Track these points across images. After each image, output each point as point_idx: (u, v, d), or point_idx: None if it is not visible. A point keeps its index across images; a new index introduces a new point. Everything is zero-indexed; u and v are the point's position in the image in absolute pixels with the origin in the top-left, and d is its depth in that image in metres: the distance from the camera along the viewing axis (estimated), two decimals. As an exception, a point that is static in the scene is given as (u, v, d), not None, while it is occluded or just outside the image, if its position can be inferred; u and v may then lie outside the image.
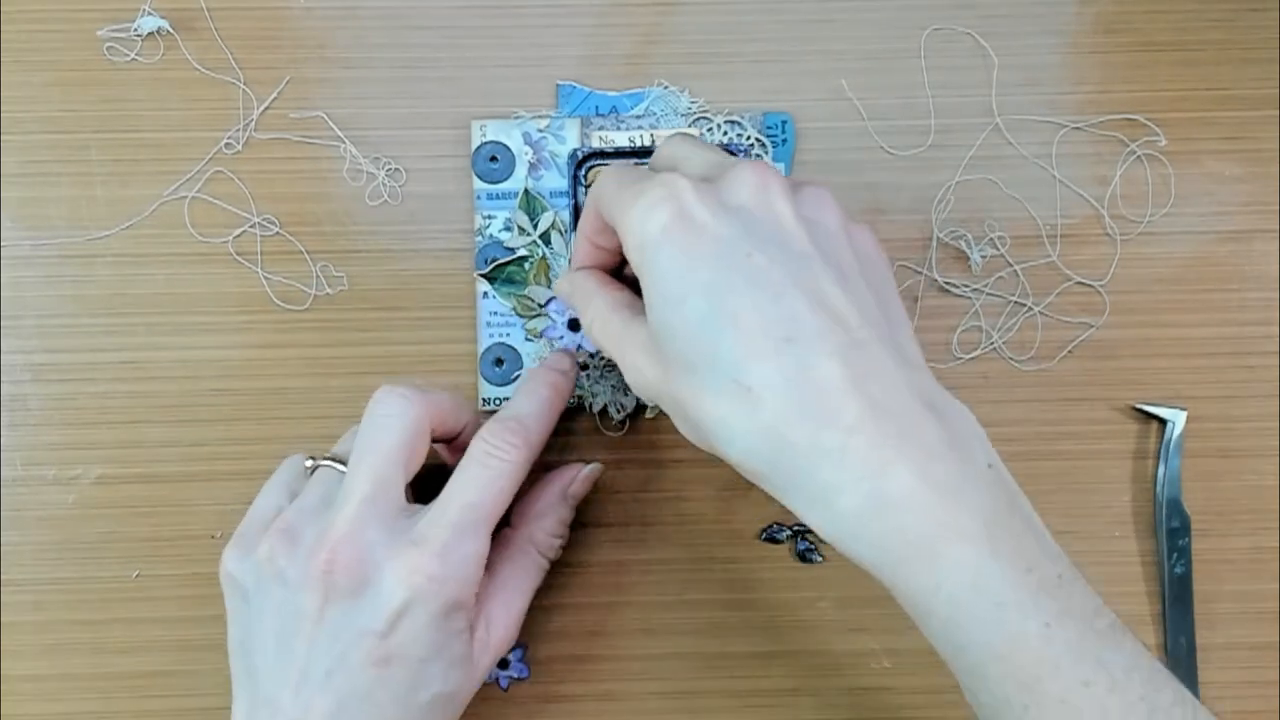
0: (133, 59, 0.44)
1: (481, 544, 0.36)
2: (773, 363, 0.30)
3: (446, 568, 0.35)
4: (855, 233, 0.34)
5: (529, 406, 0.39)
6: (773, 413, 0.30)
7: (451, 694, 0.36)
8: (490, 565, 0.37)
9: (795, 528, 0.44)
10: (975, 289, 0.45)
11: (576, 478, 0.42)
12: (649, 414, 0.44)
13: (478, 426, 0.38)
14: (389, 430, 0.36)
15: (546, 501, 0.41)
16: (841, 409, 0.30)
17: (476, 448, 0.37)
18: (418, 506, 0.37)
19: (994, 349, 0.45)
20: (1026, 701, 0.30)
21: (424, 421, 0.37)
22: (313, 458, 0.39)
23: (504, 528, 0.39)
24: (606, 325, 0.35)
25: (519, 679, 0.44)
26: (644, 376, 0.34)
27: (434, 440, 0.38)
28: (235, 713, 0.36)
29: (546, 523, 0.40)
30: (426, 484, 0.38)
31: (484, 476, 0.36)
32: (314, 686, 0.34)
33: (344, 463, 0.38)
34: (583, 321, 0.37)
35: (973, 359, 0.45)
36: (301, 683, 0.34)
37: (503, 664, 0.44)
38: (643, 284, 0.33)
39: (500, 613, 0.38)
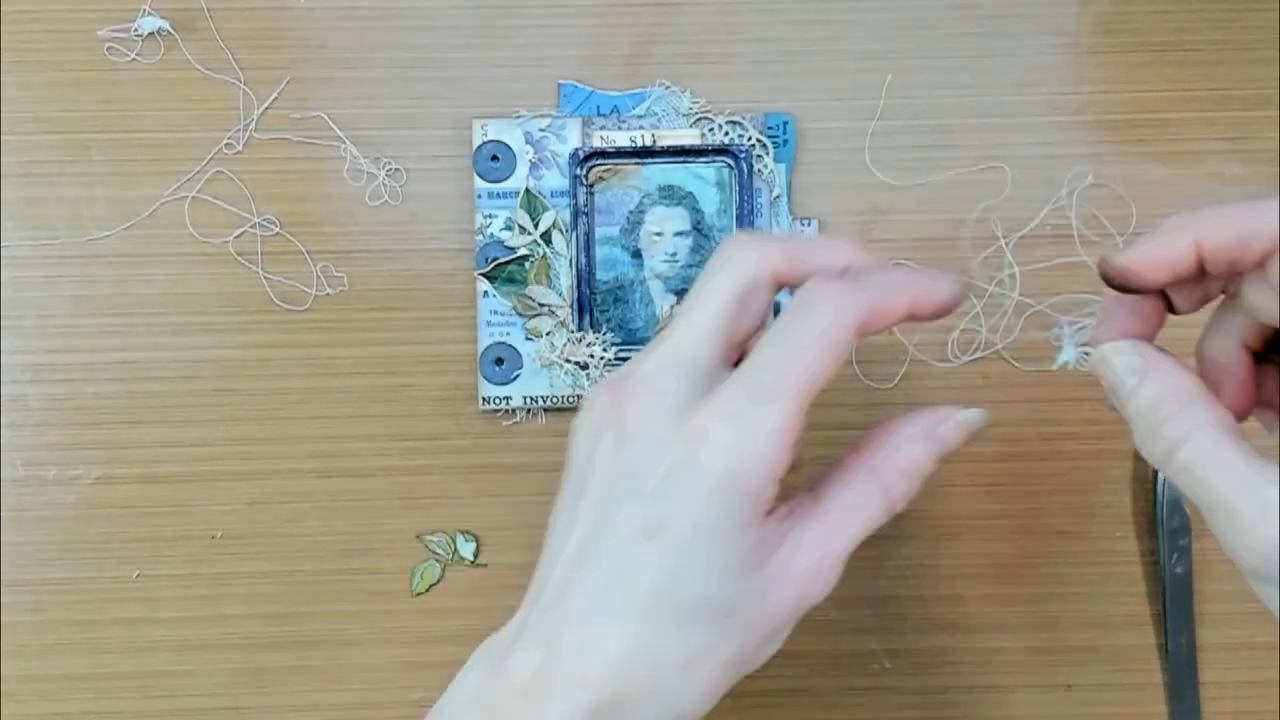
0: (133, 59, 0.44)
1: (782, 416, 0.29)
2: None
3: (728, 433, 0.29)
4: None
5: (876, 281, 0.31)
6: None
7: (727, 606, 0.29)
8: (821, 488, 0.31)
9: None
10: (976, 289, 0.45)
11: (950, 418, 0.32)
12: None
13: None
14: (719, 277, 0.31)
15: (904, 434, 0.32)
16: None
17: (791, 304, 0.30)
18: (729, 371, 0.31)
19: (995, 349, 0.45)
20: None
21: (761, 270, 0.31)
22: None
23: (850, 454, 0.32)
24: (1220, 459, 0.27)
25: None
26: None
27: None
28: (531, 586, 0.32)
29: (897, 458, 0.31)
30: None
31: (789, 336, 0.29)
32: (583, 557, 0.30)
33: None
34: (1157, 431, 0.29)
35: (973, 360, 0.45)
36: (576, 553, 0.30)
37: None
38: None
39: (815, 540, 0.30)
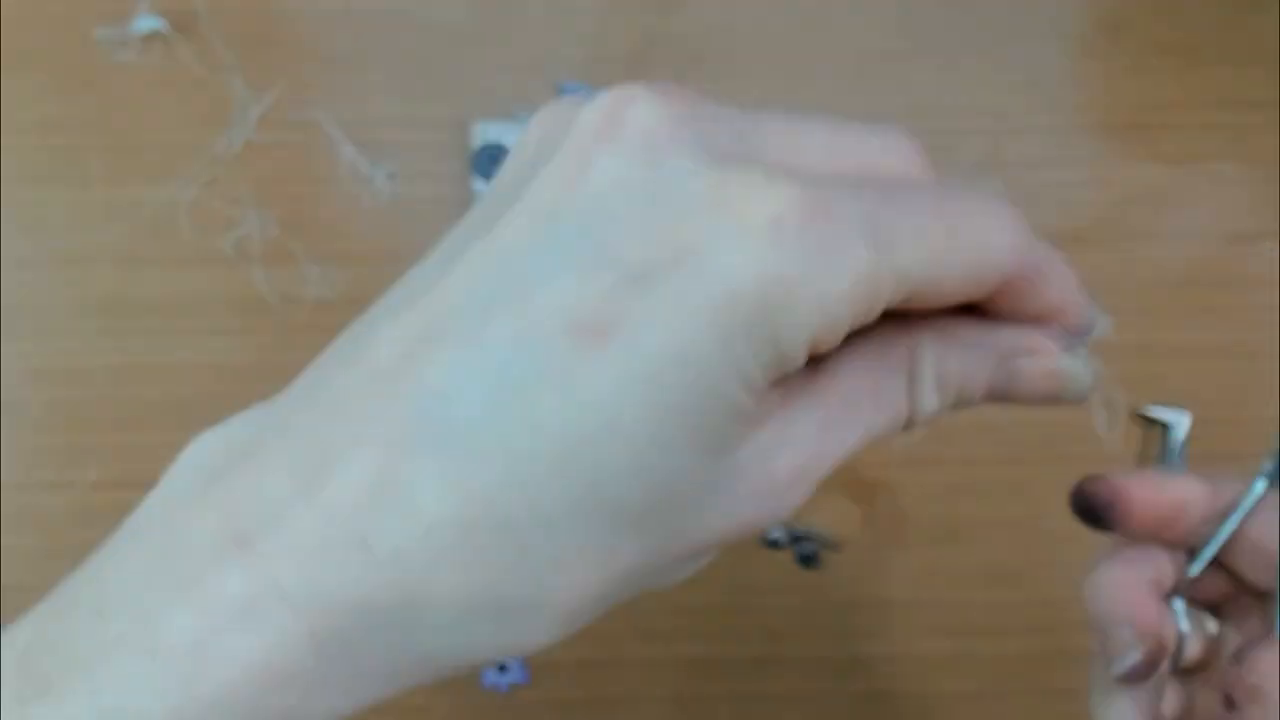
0: (131, 60, 0.44)
1: (884, 268, 0.19)
2: None
3: (803, 241, 0.18)
4: None
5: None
6: None
7: (662, 492, 0.19)
8: (831, 361, 0.21)
9: (797, 532, 0.44)
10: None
11: (1045, 349, 0.23)
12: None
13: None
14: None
15: (970, 337, 0.22)
16: None
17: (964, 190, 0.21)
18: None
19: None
20: None
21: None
22: None
23: (889, 327, 0.21)
24: None
25: (519, 683, 0.44)
26: None
27: None
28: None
29: (950, 359, 0.22)
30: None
31: (960, 203, 0.21)
32: (440, 316, 0.20)
33: None
34: None
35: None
36: (428, 301, 0.22)
37: (502, 668, 0.44)
38: None
39: (809, 432, 0.20)
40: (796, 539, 0.44)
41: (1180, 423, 0.44)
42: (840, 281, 0.18)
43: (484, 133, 0.44)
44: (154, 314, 0.44)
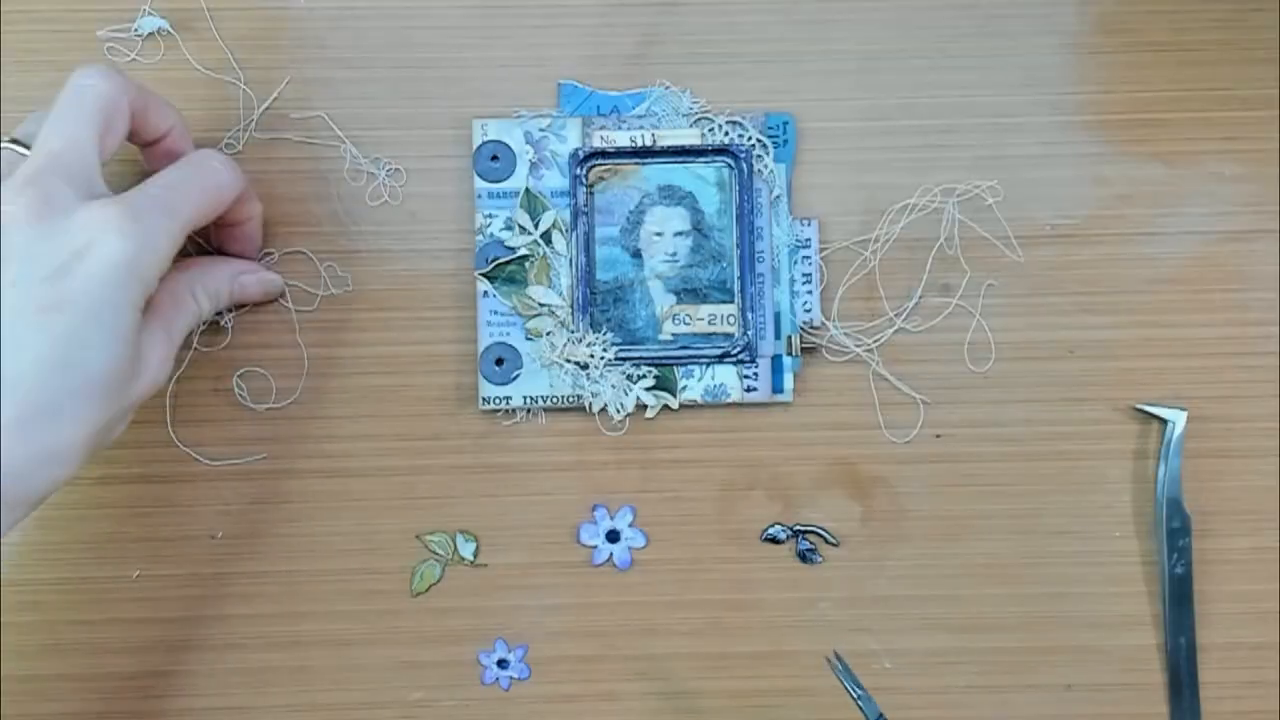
0: (133, 59, 0.44)
1: (175, 226, 0.37)
2: None
3: (137, 227, 0.35)
4: None
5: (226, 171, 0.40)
6: None
7: (104, 378, 0.35)
8: (156, 294, 0.37)
9: (796, 528, 0.44)
10: (976, 288, 0.45)
11: (255, 271, 0.43)
12: (649, 414, 0.44)
13: (184, 133, 0.40)
14: (86, 98, 0.36)
15: (215, 267, 0.42)
16: None
17: (195, 156, 0.39)
18: (110, 192, 0.37)
19: (995, 348, 0.45)
20: None
21: (122, 97, 0.37)
22: None
23: (183, 267, 0.41)
24: None
25: (520, 679, 0.44)
26: None
27: (138, 141, 0.40)
28: None
29: (207, 280, 0.41)
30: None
31: (192, 175, 0.38)
32: None
33: (28, 147, 0.37)
34: None
35: (973, 359, 0.45)
36: None
37: (503, 664, 0.44)
38: None
39: (161, 338, 0.38)
40: (796, 535, 0.44)
41: (1177, 419, 0.44)
42: (163, 241, 0.36)
43: (484, 131, 0.44)
44: (156, 311, 0.44)
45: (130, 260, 0.35)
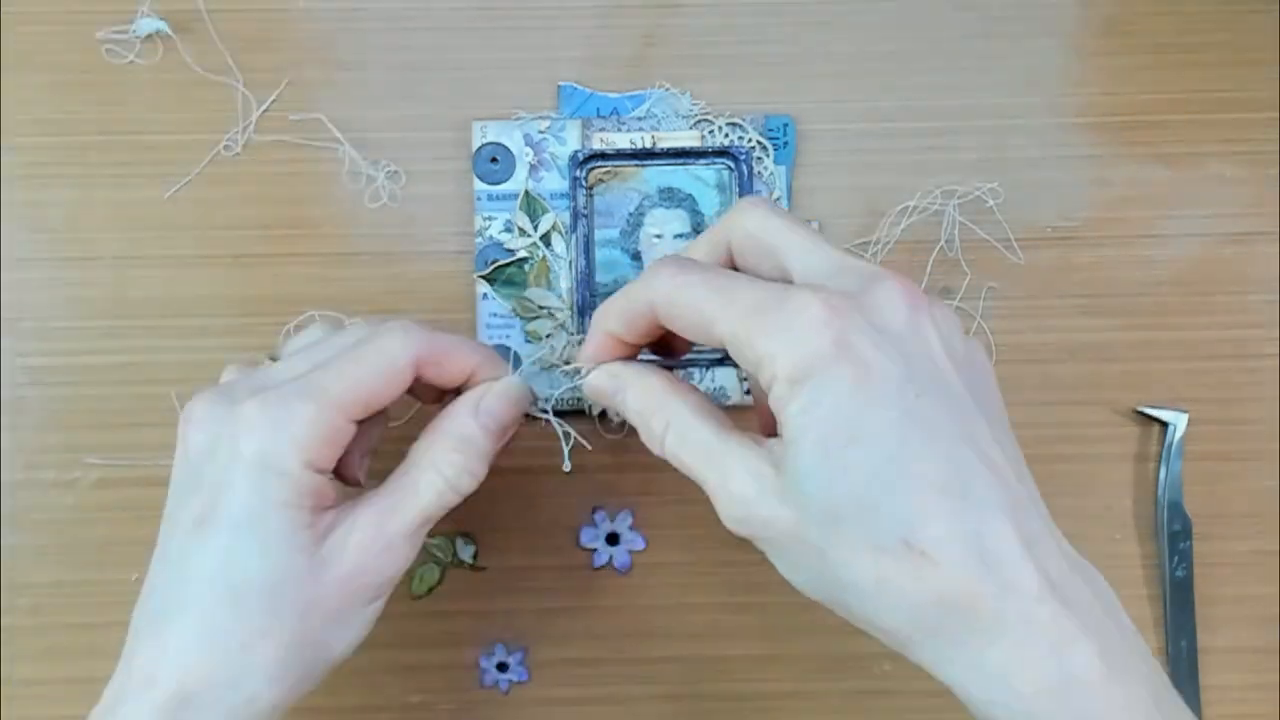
0: (131, 61, 0.44)
1: (315, 411, 0.32)
2: (948, 523, 0.28)
3: (267, 417, 0.32)
4: (973, 348, 0.32)
5: (444, 337, 0.36)
6: (951, 576, 0.27)
7: (276, 585, 0.32)
8: (387, 478, 0.35)
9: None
10: (977, 291, 0.45)
11: (489, 390, 0.36)
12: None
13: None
14: (368, 355, 0.34)
15: (450, 419, 0.35)
16: (1022, 577, 0.28)
17: (365, 330, 0.35)
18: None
19: (996, 351, 0.44)
20: None
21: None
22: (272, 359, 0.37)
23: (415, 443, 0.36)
24: (690, 438, 0.32)
25: (519, 682, 0.44)
26: (756, 512, 0.30)
27: (436, 391, 0.37)
28: None
29: (448, 437, 0.35)
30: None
31: (352, 351, 0.34)
32: (154, 558, 0.33)
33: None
34: (645, 427, 0.33)
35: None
36: (153, 567, 0.33)
37: (502, 667, 0.44)
38: (788, 418, 0.29)
39: (371, 520, 0.33)
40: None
41: (1178, 422, 0.44)
42: (302, 429, 0.32)
43: (484, 133, 0.44)
44: (155, 314, 0.44)
45: (260, 457, 0.31)
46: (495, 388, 0.36)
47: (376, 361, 0.33)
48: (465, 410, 0.35)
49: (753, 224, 0.32)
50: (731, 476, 0.30)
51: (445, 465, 0.34)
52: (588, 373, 0.35)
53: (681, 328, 0.32)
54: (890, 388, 0.28)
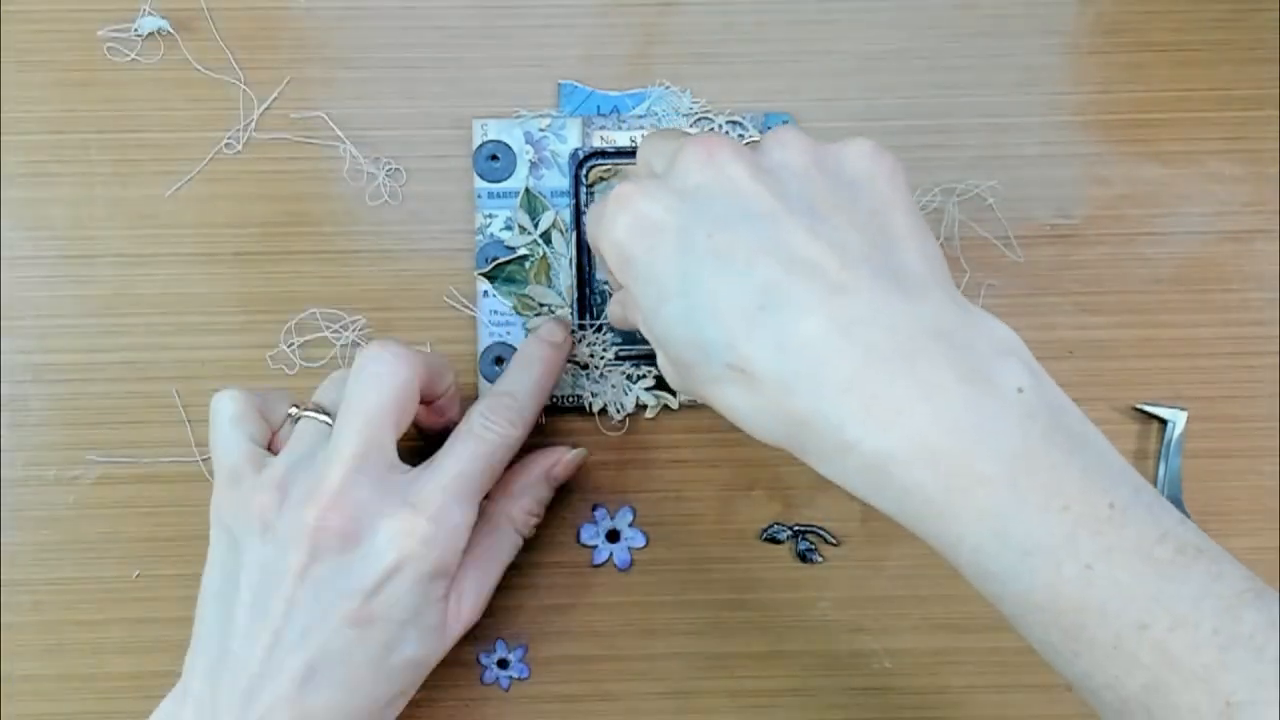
0: (133, 59, 0.44)
1: (471, 514, 0.37)
2: (756, 337, 0.29)
3: (439, 533, 0.35)
4: (837, 157, 0.32)
5: (524, 383, 0.39)
6: (772, 387, 0.29)
7: (422, 660, 0.37)
8: (470, 539, 0.38)
9: (796, 527, 0.44)
10: (976, 288, 0.45)
11: (560, 461, 0.42)
12: (649, 414, 0.44)
13: (456, 393, 0.40)
14: (381, 388, 0.36)
15: (527, 480, 0.41)
16: (835, 365, 0.28)
17: (474, 421, 0.38)
18: (407, 467, 0.37)
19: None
20: (1076, 649, 0.28)
21: (414, 381, 0.36)
22: (296, 406, 0.39)
23: (483, 501, 0.39)
24: (644, 332, 0.35)
25: (520, 679, 0.44)
26: (670, 379, 0.35)
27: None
28: (192, 666, 0.36)
29: (525, 501, 0.40)
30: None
31: (480, 450, 0.37)
32: (288, 646, 0.34)
33: (328, 414, 0.38)
34: (619, 320, 0.39)
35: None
36: (275, 642, 0.34)
37: (503, 664, 0.44)
38: (631, 297, 0.33)
39: (472, 585, 0.38)
40: (796, 535, 0.44)
41: (1178, 419, 0.44)
42: (464, 534, 0.37)
43: (484, 131, 0.44)
44: (155, 312, 0.44)
45: (437, 569, 0.36)
46: (567, 458, 0.42)
47: (501, 450, 0.38)
48: (540, 474, 0.41)
49: (645, 145, 0.36)
50: (658, 358, 0.35)
51: (524, 525, 0.41)
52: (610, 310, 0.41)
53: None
54: (678, 238, 0.31)
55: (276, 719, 0.34)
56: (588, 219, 0.37)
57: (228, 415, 0.38)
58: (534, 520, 0.41)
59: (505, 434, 0.38)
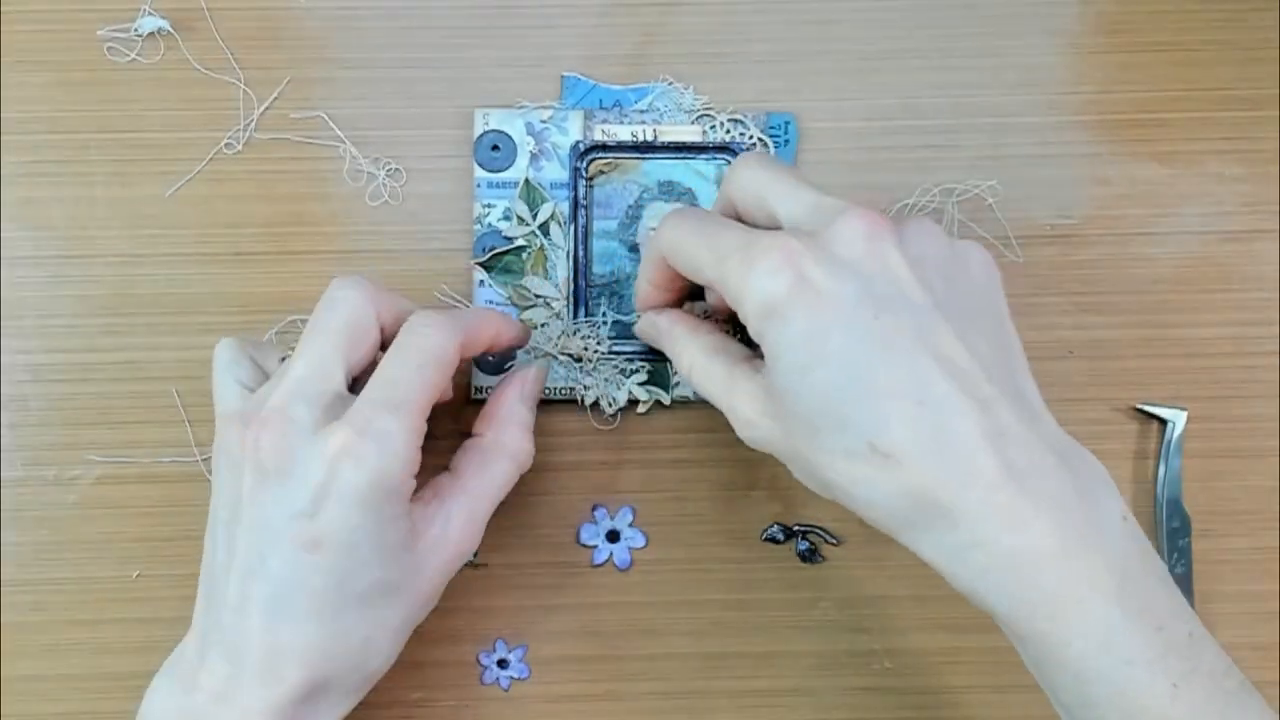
0: (133, 59, 0.44)
1: (407, 422, 0.35)
2: (910, 426, 0.31)
3: (367, 444, 0.34)
4: (964, 260, 0.34)
5: (468, 314, 0.39)
6: (913, 474, 0.31)
7: (393, 584, 0.36)
8: (457, 467, 0.38)
9: (797, 527, 0.44)
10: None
11: (527, 378, 0.41)
12: (641, 409, 0.44)
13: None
14: (333, 313, 0.36)
15: (505, 406, 0.40)
16: (982, 468, 0.31)
17: (403, 332, 0.37)
18: (354, 398, 0.36)
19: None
20: None
21: (368, 308, 0.36)
22: (288, 354, 0.38)
23: (472, 435, 0.40)
24: (708, 373, 0.36)
25: (520, 679, 0.44)
26: (758, 431, 0.35)
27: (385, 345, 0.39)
28: (197, 606, 0.37)
29: (510, 427, 0.39)
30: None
31: (407, 356, 0.36)
32: (253, 575, 0.34)
33: None
34: (677, 365, 0.38)
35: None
36: (244, 571, 0.34)
37: (503, 664, 0.44)
38: (765, 349, 0.33)
39: (461, 510, 0.37)
40: (796, 535, 0.44)
41: (1177, 419, 0.44)
42: (399, 445, 0.35)
43: (486, 120, 0.44)
44: (156, 311, 0.44)
45: (372, 483, 0.34)
46: (532, 374, 0.41)
47: (434, 359, 0.36)
48: (516, 397, 0.40)
49: (744, 177, 0.36)
50: (738, 402, 0.35)
51: (518, 450, 0.39)
52: (636, 320, 0.41)
53: (684, 273, 0.36)
54: (846, 311, 0.31)
55: (252, 656, 0.34)
56: (685, 240, 0.36)
57: (222, 361, 0.38)
58: (526, 446, 0.39)
59: (432, 340, 0.36)
